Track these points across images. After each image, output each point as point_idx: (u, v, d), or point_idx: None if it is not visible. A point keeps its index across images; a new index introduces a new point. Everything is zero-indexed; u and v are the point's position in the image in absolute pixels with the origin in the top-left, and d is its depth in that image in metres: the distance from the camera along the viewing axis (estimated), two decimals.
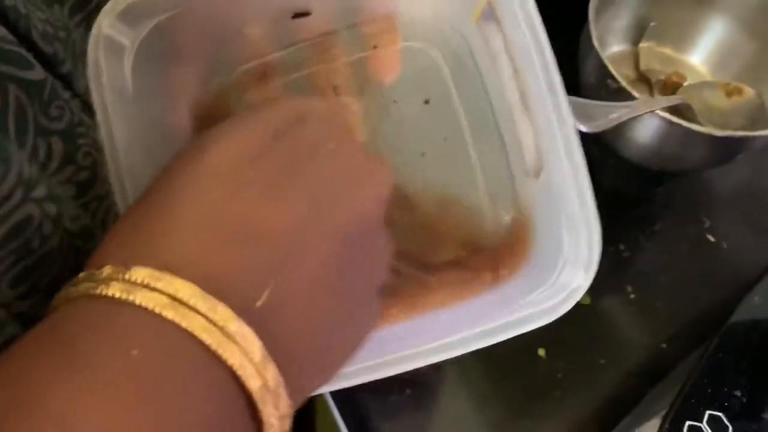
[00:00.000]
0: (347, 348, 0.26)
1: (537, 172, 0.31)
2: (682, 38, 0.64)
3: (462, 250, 0.34)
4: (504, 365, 0.53)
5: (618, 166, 0.60)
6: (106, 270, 0.21)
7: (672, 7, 0.62)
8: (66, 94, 0.31)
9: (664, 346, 0.55)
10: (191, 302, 0.20)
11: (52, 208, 0.28)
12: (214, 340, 0.20)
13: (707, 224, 0.60)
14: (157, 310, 0.20)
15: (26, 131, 0.28)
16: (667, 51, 0.64)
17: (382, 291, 0.27)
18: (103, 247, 0.23)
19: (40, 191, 0.28)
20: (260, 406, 0.21)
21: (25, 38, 0.29)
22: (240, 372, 0.20)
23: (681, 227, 0.60)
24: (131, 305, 0.20)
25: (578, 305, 0.56)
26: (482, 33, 0.32)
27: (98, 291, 0.20)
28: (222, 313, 0.20)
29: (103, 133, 0.28)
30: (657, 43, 0.64)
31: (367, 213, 0.25)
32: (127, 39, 0.29)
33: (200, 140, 0.25)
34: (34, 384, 0.19)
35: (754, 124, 0.57)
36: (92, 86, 0.28)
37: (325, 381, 0.26)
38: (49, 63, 0.31)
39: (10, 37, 0.27)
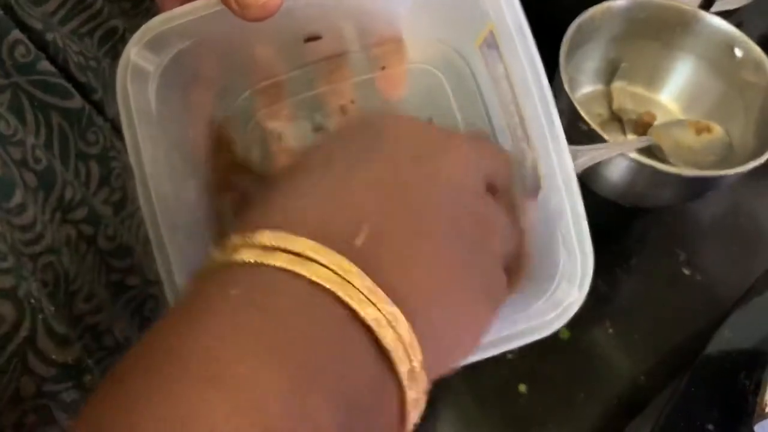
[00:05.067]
0: (476, 317, 0.25)
1: (535, 192, 0.31)
2: (653, 78, 0.66)
3: None
4: (485, 401, 0.54)
5: (593, 201, 0.61)
6: (234, 239, 0.22)
7: (641, 49, 0.64)
8: (99, 120, 0.34)
9: (642, 378, 0.56)
10: (317, 257, 0.21)
11: (88, 229, 0.30)
12: (346, 293, 0.20)
13: (682, 257, 0.62)
14: (287, 266, 0.20)
15: (69, 155, 0.31)
16: (639, 90, 0.66)
17: (504, 264, 0.28)
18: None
19: (80, 212, 0.30)
20: (394, 356, 0.21)
21: (63, 69, 0.32)
22: (375, 327, 0.20)
23: (657, 261, 0.62)
24: (265, 267, 0.21)
25: (558, 340, 0.58)
26: (484, 58, 0.33)
27: (232, 258, 0.21)
28: (339, 263, 0.21)
29: (131, 155, 0.30)
30: (629, 83, 0.66)
31: (454, 177, 0.26)
32: (152, 65, 0.30)
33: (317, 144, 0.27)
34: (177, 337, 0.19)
35: (723, 161, 0.59)
36: (121, 110, 0.30)
37: (457, 354, 0.25)
38: (84, 91, 0.34)
39: (53, 69, 0.30)
